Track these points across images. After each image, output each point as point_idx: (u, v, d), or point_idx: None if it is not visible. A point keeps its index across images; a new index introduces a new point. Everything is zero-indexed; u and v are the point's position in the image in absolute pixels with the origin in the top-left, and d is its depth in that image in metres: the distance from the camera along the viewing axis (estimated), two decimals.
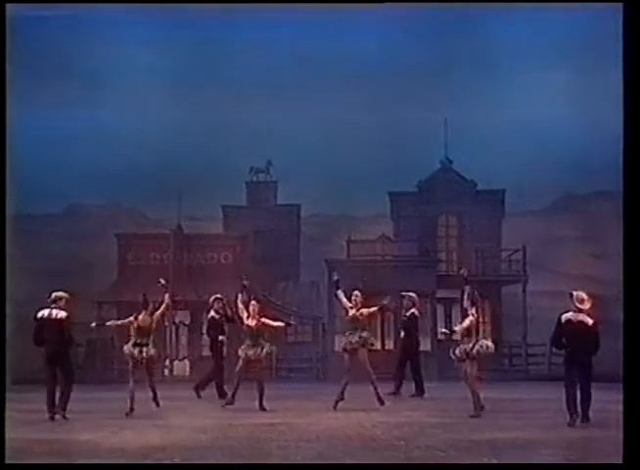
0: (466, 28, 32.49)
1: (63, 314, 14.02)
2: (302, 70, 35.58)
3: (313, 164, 35.82)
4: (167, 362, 30.44)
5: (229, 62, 35.64)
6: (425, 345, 29.60)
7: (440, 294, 29.64)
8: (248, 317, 14.63)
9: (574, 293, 12.74)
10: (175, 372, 29.85)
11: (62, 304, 14.04)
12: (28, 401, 15.38)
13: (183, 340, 31.08)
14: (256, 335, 14.57)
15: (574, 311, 12.52)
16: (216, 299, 17.82)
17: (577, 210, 43.11)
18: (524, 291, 29.64)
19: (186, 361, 30.88)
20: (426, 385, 18.37)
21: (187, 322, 30.31)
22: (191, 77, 34.89)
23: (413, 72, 34.82)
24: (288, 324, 16.21)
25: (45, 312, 13.96)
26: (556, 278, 43.22)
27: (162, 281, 15.23)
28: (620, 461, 8.74)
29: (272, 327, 15.02)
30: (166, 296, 15.27)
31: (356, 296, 14.97)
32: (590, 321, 12.46)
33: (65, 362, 14.22)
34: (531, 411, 13.53)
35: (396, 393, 17.33)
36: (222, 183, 36.62)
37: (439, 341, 29.82)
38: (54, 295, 14.05)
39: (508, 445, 10.19)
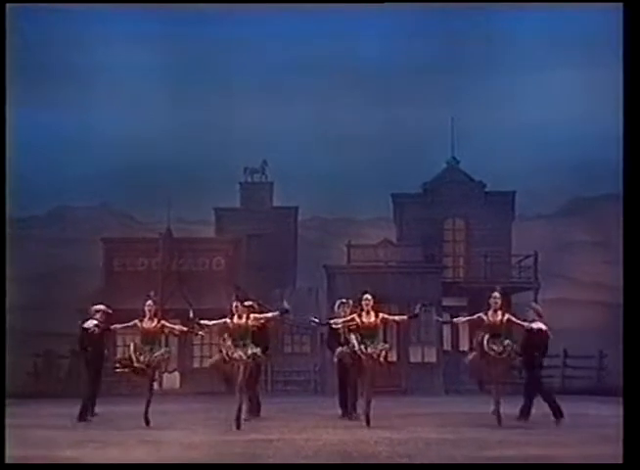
0: (473, 25, 32.53)
1: (93, 325, 15.34)
2: (300, 68, 35.63)
3: (311, 163, 35.86)
4: (156, 374, 30.38)
5: (223, 60, 35.72)
6: (430, 356, 29.70)
7: (446, 302, 29.60)
8: None
9: (534, 305, 14.97)
10: (165, 385, 29.78)
11: (98, 316, 15.43)
12: (7, 416, 15.29)
13: (173, 351, 30.98)
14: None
15: (539, 321, 14.16)
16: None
17: (591, 213, 43.11)
18: (535, 299, 29.52)
19: (176, 374, 30.83)
20: (431, 399, 18.27)
21: (176, 332, 30.25)
22: (183, 76, 34.94)
23: (417, 70, 34.88)
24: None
25: (87, 323, 15.51)
26: (569, 286, 43.35)
27: None
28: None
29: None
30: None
31: (368, 298, 13.92)
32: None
33: (99, 371, 15.61)
34: (544, 427, 13.49)
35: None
36: (215, 184, 36.64)
37: (445, 352, 29.83)
38: (93, 308, 15.49)
39: (518, 462, 10.17)
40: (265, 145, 36.12)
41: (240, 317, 13.98)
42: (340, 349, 14.33)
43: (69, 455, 10.88)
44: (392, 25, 31.77)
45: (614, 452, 9.87)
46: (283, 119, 34.88)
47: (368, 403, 13.80)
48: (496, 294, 14.25)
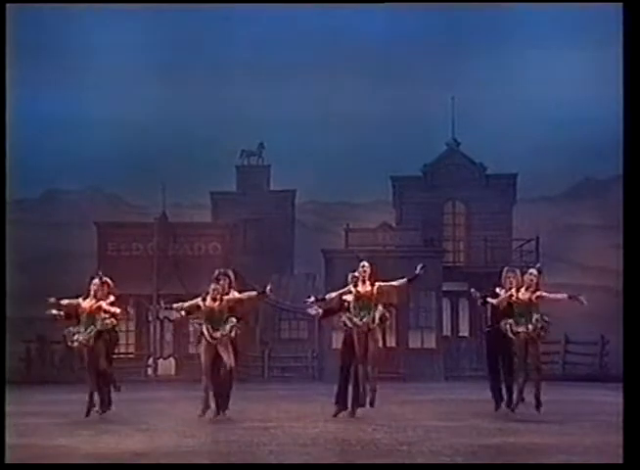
0: (475, 3, 32.37)
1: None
2: (298, 46, 35.49)
3: (309, 146, 35.82)
4: (151, 361, 30.50)
5: (219, 39, 35.57)
6: (429, 341, 29.79)
7: (446, 287, 29.68)
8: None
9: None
10: (160, 372, 29.88)
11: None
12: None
13: (168, 336, 31.12)
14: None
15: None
16: None
17: (597, 195, 43.12)
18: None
19: (171, 360, 30.93)
20: (430, 385, 18.24)
21: (172, 318, 30.37)
22: (177, 56, 34.77)
23: (418, 46, 34.76)
24: None
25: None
26: (572, 270, 43.38)
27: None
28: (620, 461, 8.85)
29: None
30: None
31: (364, 267, 13.39)
32: None
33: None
34: (544, 414, 13.53)
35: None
36: (210, 168, 36.62)
37: (445, 337, 29.92)
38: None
39: (518, 450, 10.21)
40: (262, 127, 36.05)
41: (214, 300, 13.48)
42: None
43: (63, 444, 10.92)
44: (394, 3, 31.64)
45: (616, 441, 9.93)
46: (280, 101, 34.83)
47: (364, 389, 13.43)
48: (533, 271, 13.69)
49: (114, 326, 13.94)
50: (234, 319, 13.36)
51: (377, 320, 13.32)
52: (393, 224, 32.14)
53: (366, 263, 13.50)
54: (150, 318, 30.75)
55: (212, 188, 36.28)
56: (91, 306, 13.72)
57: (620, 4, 11.03)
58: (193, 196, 38.38)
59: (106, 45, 32.22)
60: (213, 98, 34.69)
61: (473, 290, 14.23)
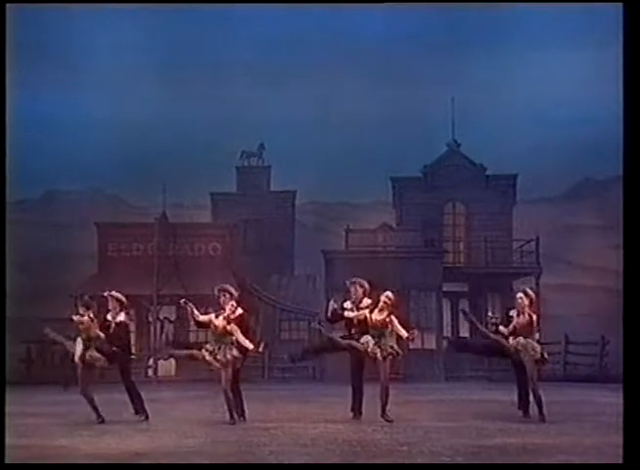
0: (476, 4, 32.38)
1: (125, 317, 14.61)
2: (298, 47, 35.51)
3: (309, 147, 35.81)
4: (151, 362, 30.50)
5: (219, 40, 35.58)
6: (429, 342, 29.78)
7: (447, 287, 29.68)
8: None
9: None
10: (160, 372, 29.88)
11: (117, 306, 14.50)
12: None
13: (169, 337, 31.12)
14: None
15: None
16: None
17: (597, 196, 43.11)
18: (537, 284, 29.63)
19: (172, 361, 30.91)
20: (430, 386, 18.22)
21: (172, 318, 30.36)
22: (176, 57, 34.79)
23: (418, 48, 34.77)
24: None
25: (119, 317, 14.66)
26: (573, 271, 43.39)
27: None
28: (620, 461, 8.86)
29: None
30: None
31: (390, 298, 13.19)
32: None
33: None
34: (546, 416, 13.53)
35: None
36: (211, 168, 36.62)
37: (445, 338, 29.90)
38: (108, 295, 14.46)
39: (518, 450, 10.22)
40: (262, 128, 36.08)
41: (223, 318, 13.38)
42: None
43: (63, 444, 10.92)
44: (394, 3, 31.65)
45: (616, 441, 9.94)
46: (280, 101, 34.82)
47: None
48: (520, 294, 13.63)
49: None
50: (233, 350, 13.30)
51: (395, 351, 13.39)
52: (394, 225, 32.14)
53: (391, 295, 13.31)
54: (150, 319, 30.75)
55: (213, 189, 36.30)
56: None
57: (620, 4, 11.05)
58: (193, 196, 38.39)
59: (106, 45, 32.24)
60: (213, 98, 34.71)
61: (490, 315, 14.24)
